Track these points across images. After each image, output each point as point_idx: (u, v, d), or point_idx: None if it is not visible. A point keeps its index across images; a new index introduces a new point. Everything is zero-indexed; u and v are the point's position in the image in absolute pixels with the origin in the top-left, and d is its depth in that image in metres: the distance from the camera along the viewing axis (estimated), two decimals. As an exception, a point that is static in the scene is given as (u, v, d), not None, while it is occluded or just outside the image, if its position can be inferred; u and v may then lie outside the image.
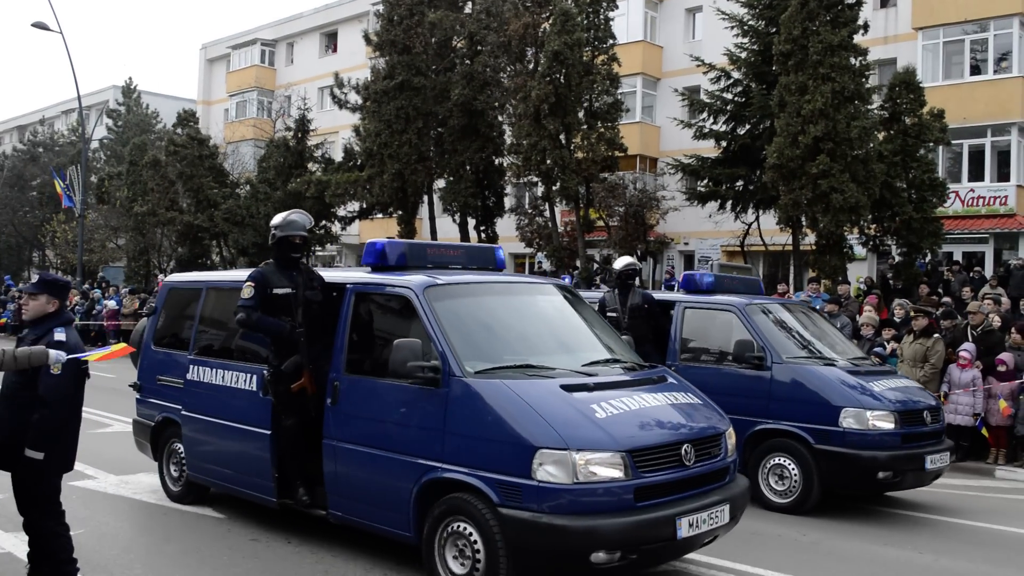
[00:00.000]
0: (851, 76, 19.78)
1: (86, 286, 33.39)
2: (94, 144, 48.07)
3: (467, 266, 7.85)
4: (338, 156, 34.42)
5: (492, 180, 28.47)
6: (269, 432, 7.51)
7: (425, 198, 29.65)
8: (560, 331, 7.49)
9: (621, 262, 11.11)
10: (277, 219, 7.63)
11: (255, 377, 7.73)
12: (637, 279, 11.58)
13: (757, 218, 25.22)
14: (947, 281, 21.28)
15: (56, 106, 65.26)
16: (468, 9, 28.58)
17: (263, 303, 7.32)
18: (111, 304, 29.50)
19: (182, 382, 8.63)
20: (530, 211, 28.31)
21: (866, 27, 21.04)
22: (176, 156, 33.80)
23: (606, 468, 5.73)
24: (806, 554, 7.98)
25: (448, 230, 30.69)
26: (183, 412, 8.58)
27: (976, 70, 27.48)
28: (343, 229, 34.61)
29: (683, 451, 6.13)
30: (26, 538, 6.06)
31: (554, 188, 24.88)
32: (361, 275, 7.45)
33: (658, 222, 28.84)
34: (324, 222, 32.88)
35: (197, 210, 33.35)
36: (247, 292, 7.30)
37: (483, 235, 28.68)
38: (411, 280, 6.92)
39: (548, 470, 5.68)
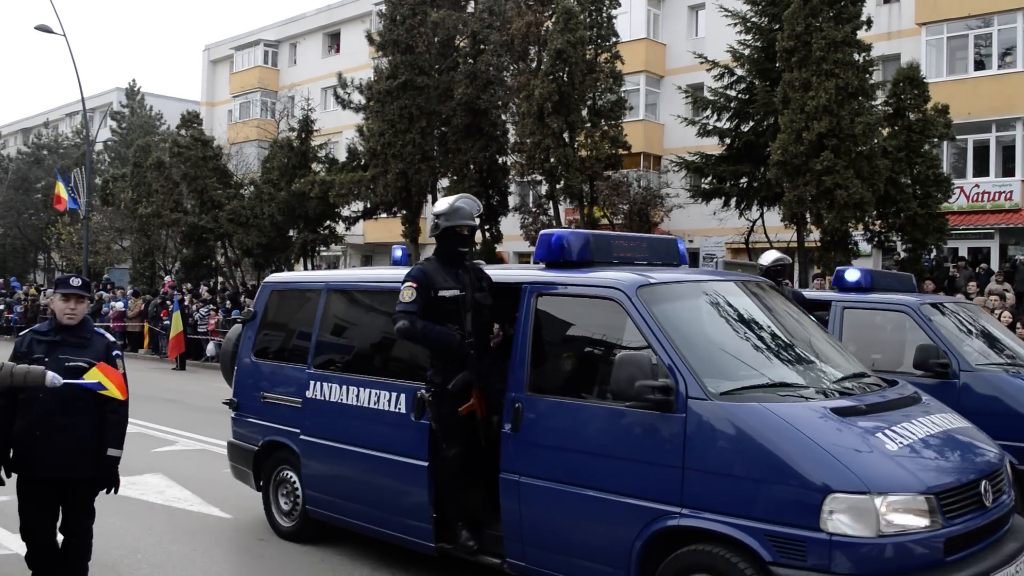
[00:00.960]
0: (855, 72, 19.76)
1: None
2: (98, 146, 48.17)
3: (651, 261, 6.63)
4: (342, 156, 34.41)
5: (496, 179, 28.44)
6: (426, 463, 6.33)
7: (429, 197, 29.61)
8: (792, 338, 6.05)
9: (769, 257, 9.81)
10: (441, 206, 6.35)
11: (405, 396, 6.54)
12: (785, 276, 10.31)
13: (761, 215, 25.19)
14: (952, 277, 21.25)
15: (60, 108, 65.37)
16: (471, 8, 28.56)
17: (426, 308, 6.10)
18: (118, 306, 29.56)
19: (299, 401, 7.44)
20: (534, 210, 28.28)
21: (869, 23, 21.01)
22: (180, 157, 33.82)
23: (911, 515, 4.64)
24: None
25: (452, 229, 30.67)
26: (301, 436, 7.39)
27: (980, 65, 27.42)
28: (347, 229, 34.60)
29: (982, 489, 5.01)
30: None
31: (558, 186, 24.86)
32: (537, 273, 6.23)
33: (662, 220, 28.82)
34: (328, 222, 32.88)
35: (201, 211, 33.37)
36: (408, 295, 6.07)
37: (487, 234, 28.65)
38: (618, 279, 5.70)
39: (841, 519, 4.54)
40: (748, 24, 24.12)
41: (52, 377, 5.54)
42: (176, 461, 11.16)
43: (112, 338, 6.14)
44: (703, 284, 6.27)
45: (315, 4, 50.04)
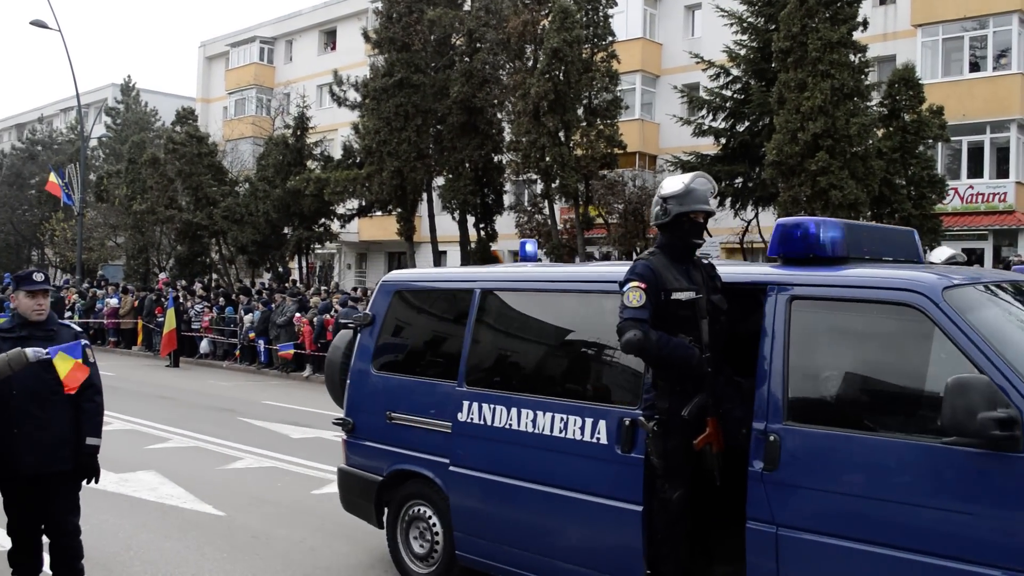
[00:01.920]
0: (850, 73, 19.79)
1: (85, 285, 33.37)
2: (93, 142, 48.11)
3: (896, 257, 5.49)
4: (337, 154, 34.40)
5: (491, 177, 28.45)
6: (637, 508, 5.07)
7: (424, 196, 29.63)
8: None
9: (942, 254, 7.03)
10: (672, 186, 5.13)
11: (606, 424, 5.26)
12: None
13: (756, 215, 25.22)
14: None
15: (55, 104, 65.24)
16: (467, 6, 28.56)
17: (656, 314, 4.87)
18: (112, 302, 29.50)
19: (447, 424, 6.17)
20: (529, 208, 28.29)
21: (865, 24, 21.04)
22: (175, 154, 33.76)
23: None
24: None
25: (447, 227, 30.70)
26: (451, 468, 6.15)
27: (975, 67, 27.46)
28: (342, 227, 34.58)
29: None
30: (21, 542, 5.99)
31: (553, 185, 24.87)
32: (787, 272, 4.98)
33: (658, 219, 28.79)
34: (323, 220, 32.86)
35: (196, 208, 33.32)
36: (635, 297, 4.83)
37: (482, 232, 28.68)
38: (915, 279, 4.47)
39: None
40: (744, 24, 24.14)
41: (34, 352, 5.52)
42: (169, 458, 11.13)
43: (78, 328, 6.08)
44: (1005, 285, 4.95)
45: (311, 1, 49.98)
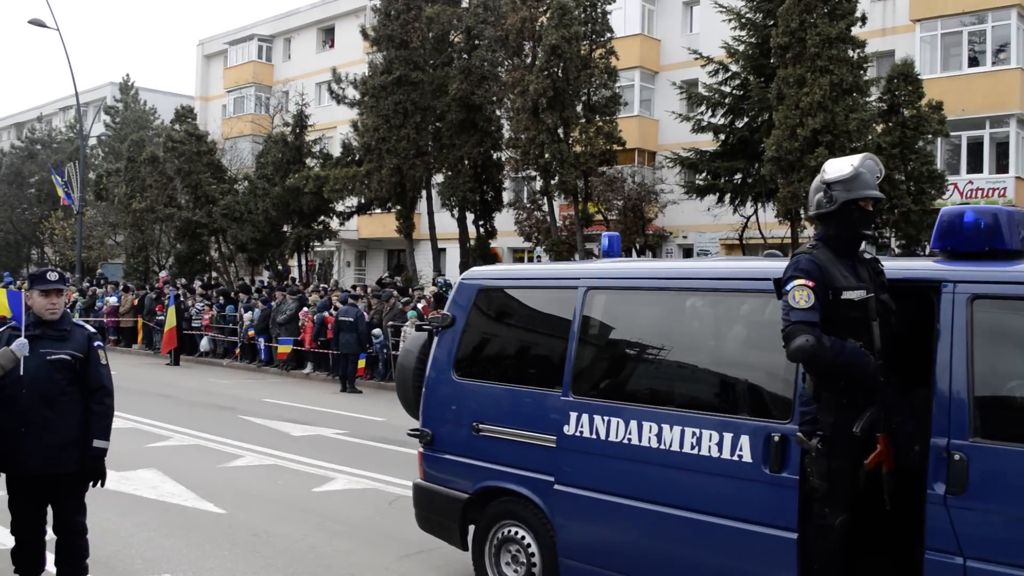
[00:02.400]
0: (849, 68, 19.80)
1: (85, 283, 33.38)
2: (92, 141, 48.08)
3: None
4: (336, 151, 34.38)
5: (490, 174, 28.45)
6: (791, 535, 4.50)
7: (423, 193, 29.63)
8: None
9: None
10: (838, 169, 4.51)
11: (749, 440, 4.69)
12: None
13: (756, 211, 25.22)
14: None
15: (54, 103, 65.19)
16: (465, 3, 28.55)
17: (822, 316, 4.27)
18: (111, 301, 29.52)
19: (551, 438, 5.56)
20: (529, 205, 28.30)
21: (864, 19, 21.04)
22: (174, 152, 33.76)
23: None
24: None
25: (446, 225, 30.69)
26: (556, 486, 5.54)
27: (974, 62, 27.44)
28: (342, 224, 34.56)
29: None
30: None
31: (552, 182, 24.87)
32: (950, 266, 4.46)
33: (657, 216, 28.83)
34: (322, 218, 32.85)
35: (195, 206, 33.31)
36: (803, 297, 4.22)
37: (482, 230, 28.68)
38: None
39: None
40: (743, 20, 24.13)
41: (18, 345, 5.51)
42: (170, 456, 11.14)
43: (92, 329, 6.08)
44: None
45: (309, -1, 49.95)
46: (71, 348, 5.76)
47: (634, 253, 29.03)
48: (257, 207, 32.09)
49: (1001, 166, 26.87)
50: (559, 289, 6.01)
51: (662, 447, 5.07)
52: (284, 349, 22.47)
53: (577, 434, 5.46)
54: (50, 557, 5.97)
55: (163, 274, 34.10)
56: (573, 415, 5.49)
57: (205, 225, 33.33)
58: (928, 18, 27.65)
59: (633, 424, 5.21)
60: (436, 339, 6.48)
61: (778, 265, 4.69)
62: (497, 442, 5.93)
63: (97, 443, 5.77)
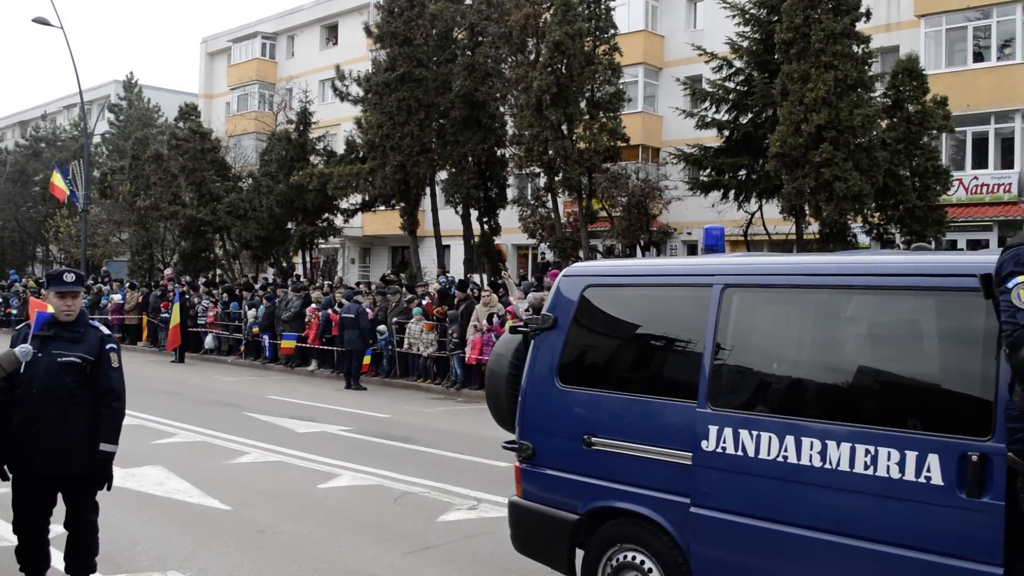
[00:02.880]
0: (854, 64, 19.73)
1: (90, 280, 33.42)
2: (96, 139, 48.11)
3: None
4: (340, 148, 34.37)
5: (494, 171, 28.43)
6: (995, 570, 3.99)
7: (427, 190, 29.61)
8: None
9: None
10: None
11: (939, 459, 4.16)
12: None
13: (760, 207, 25.17)
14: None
15: (58, 101, 65.27)
16: (468, 0, 28.53)
17: None
18: (116, 299, 29.57)
19: (685, 454, 4.99)
20: (533, 202, 28.27)
21: (868, 15, 20.98)
22: (178, 150, 33.80)
23: None
24: None
25: (451, 222, 30.69)
26: (693, 509, 4.96)
27: (979, 57, 27.38)
28: (346, 222, 34.56)
29: None
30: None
31: (556, 179, 24.84)
32: None
33: (661, 212, 28.80)
34: (326, 215, 32.86)
35: (200, 204, 33.35)
36: None
37: (486, 226, 28.66)
38: None
39: None
40: (747, 16, 24.07)
41: (21, 351, 5.52)
42: (175, 453, 11.16)
43: (107, 331, 6.09)
44: None
45: (313, -5, 49.95)
46: (82, 351, 5.77)
47: (638, 250, 29.02)
48: (261, 204, 32.12)
49: (1006, 161, 26.82)
50: (687, 287, 5.38)
51: (827, 467, 4.48)
52: (288, 344, 22.52)
53: (719, 450, 4.86)
54: (57, 554, 5.98)
55: (168, 271, 34.14)
56: (713, 429, 4.90)
57: (209, 222, 33.37)
58: (933, 13, 27.60)
59: (789, 440, 4.63)
60: (534, 342, 5.89)
61: (974, 259, 4.32)
62: (613, 457, 5.34)
63: (104, 447, 5.77)
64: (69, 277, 5.84)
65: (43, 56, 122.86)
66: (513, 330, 6.21)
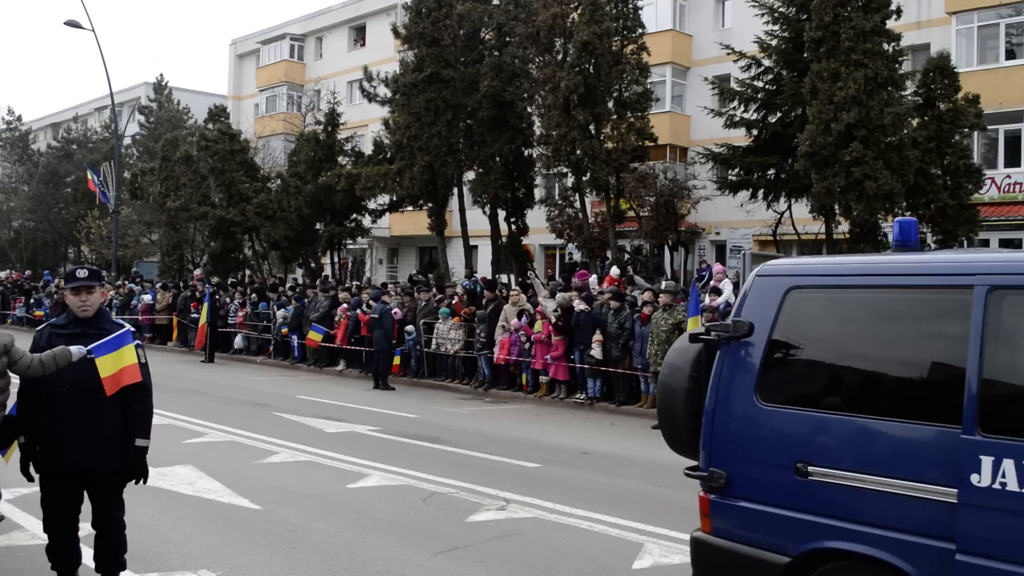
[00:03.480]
0: (884, 62, 19.55)
1: (120, 281, 33.73)
2: (127, 140, 48.57)
3: None
4: (368, 149, 34.49)
5: (522, 171, 28.41)
6: None
7: (455, 190, 29.64)
8: None
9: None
10: None
11: None
12: None
13: (789, 207, 25.01)
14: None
15: (89, 103, 65.91)
16: (496, 0, 28.53)
17: None
18: (146, 299, 29.83)
19: (947, 491, 4.19)
20: (560, 202, 28.23)
21: (899, 12, 20.78)
22: (208, 151, 34.05)
23: None
24: None
25: (478, 222, 30.70)
26: (959, 556, 4.14)
27: (1011, 54, 27.06)
28: (373, 222, 34.67)
29: None
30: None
31: (584, 179, 24.79)
32: None
33: (689, 212, 28.69)
34: (354, 215, 32.98)
35: (229, 204, 33.56)
36: None
37: (513, 227, 28.65)
38: None
39: None
40: (775, 14, 23.91)
41: (77, 349, 5.62)
42: (206, 452, 11.23)
43: (131, 328, 6.09)
44: None
45: (341, -3, 50.18)
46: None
47: (666, 250, 28.93)
48: (290, 205, 32.28)
49: (1039, 160, 26.50)
50: (937, 289, 4.57)
51: None
52: (315, 336, 22.55)
53: (998, 487, 4.04)
54: (88, 552, 6.02)
55: (197, 272, 34.40)
56: (987, 461, 4.08)
57: (239, 223, 33.58)
58: (964, 10, 27.31)
59: None
60: (721, 353, 5.09)
61: None
62: (838, 490, 4.52)
63: (139, 442, 5.84)
64: (82, 273, 5.88)
65: (75, 59, 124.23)
66: (693, 338, 5.36)
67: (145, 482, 5.99)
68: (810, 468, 4.62)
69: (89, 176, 36.83)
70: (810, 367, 4.99)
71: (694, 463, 5.21)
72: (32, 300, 36.45)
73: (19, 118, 58.98)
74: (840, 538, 4.49)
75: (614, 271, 20.49)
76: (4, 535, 6.94)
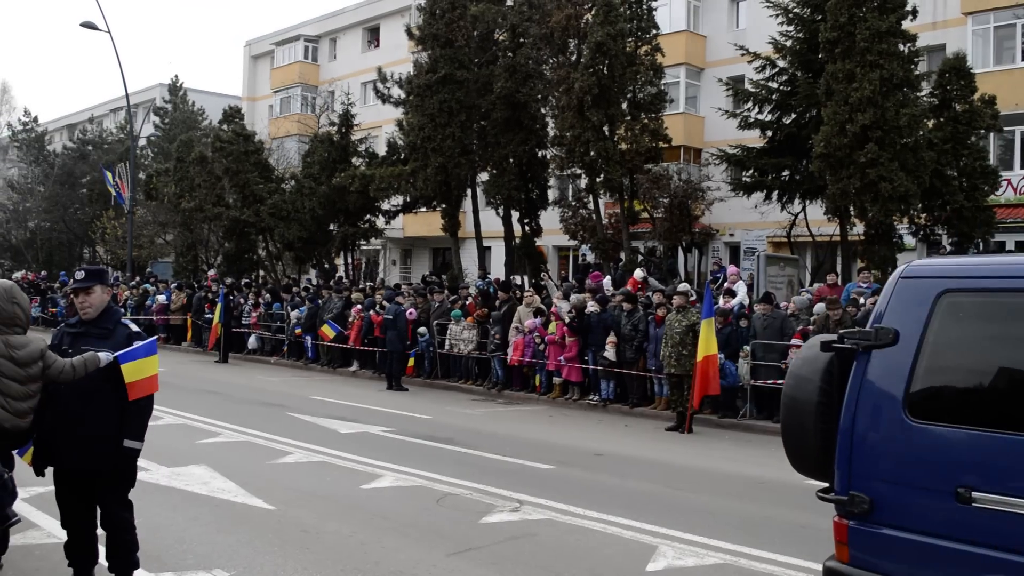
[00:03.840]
0: (900, 63, 19.48)
1: (135, 281, 33.87)
2: (142, 141, 48.77)
3: None
4: (382, 150, 34.54)
5: (535, 172, 28.39)
6: None
7: (468, 191, 29.64)
8: None
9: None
10: None
11: None
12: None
13: (804, 208, 24.93)
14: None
15: (104, 104, 66.21)
16: (510, 1, 28.51)
17: None
18: (161, 299, 29.94)
19: None
20: (574, 203, 28.19)
21: (915, 13, 20.69)
22: (222, 152, 34.17)
23: None
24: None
25: (492, 223, 30.71)
26: None
27: (1028, 55, 26.92)
28: (387, 223, 34.73)
29: None
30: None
31: (598, 180, 24.75)
32: None
33: (703, 213, 28.63)
34: (368, 216, 33.03)
35: (243, 205, 33.67)
36: None
37: (527, 228, 28.64)
38: None
39: None
40: (790, 15, 23.85)
41: (105, 356, 5.68)
42: (220, 452, 11.26)
43: (136, 328, 6.08)
44: None
45: (355, -1, 50.27)
46: (109, 347, 5.81)
47: (680, 251, 28.86)
48: (304, 206, 32.34)
49: (1056, 161, 26.34)
50: None
51: None
52: (328, 331, 22.58)
53: None
54: (103, 550, 6.05)
55: (211, 272, 34.51)
56: None
57: (253, 224, 33.69)
58: (980, 11, 27.19)
59: None
60: (858, 363, 4.54)
61: None
62: (1010, 519, 3.94)
63: (128, 443, 5.81)
64: (79, 275, 5.93)
65: (90, 60, 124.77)
66: (826, 346, 4.76)
67: (130, 486, 5.97)
68: (974, 494, 4.03)
69: (106, 177, 36.99)
70: (972, 379, 4.38)
71: (823, 483, 4.67)
72: (47, 299, 36.63)
73: (35, 119, 59.21)
74: (1009, 573, 3.94)
75: (637, 273, 20.43)
76: (20, 534, 6.97)
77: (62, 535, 6.04)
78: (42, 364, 5.68)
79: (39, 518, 7.69)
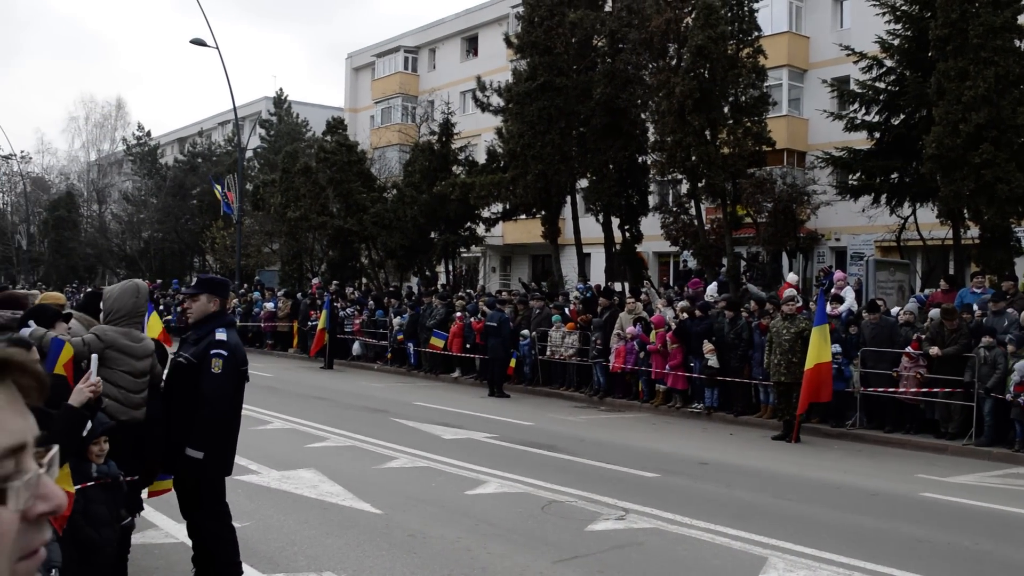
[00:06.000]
0: (1016, 59, 18.76)
1: (243, 289, 34.78)
2: (249, 153, 50.07)
3: None
4: (481, 158, 34.76)
5: (635, 178, 28.20)
6: None
7: (568, 198, 29.62)
8: None
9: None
10: None
11: None
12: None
13: (914, 211, 24.17)
14: None
15: (213, 118, 68.22)
16: (608, 7, 28.43)
17: None
18: (268, 307, 30.67)
19: None
20: (675, 209, 27.92)
21: (1031, 7, 19.92)
22: (326, 163, 34.85)
23: None
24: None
25: (592, 229, 30.62)
26: None
27: None
28: (487, 231, 34.94)
29: None
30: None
31: (699, 185, 24.45)
32: None
33: (808, 218, 28.04)
34: (468, 224, 33.28)
35: (347, 214, 34.25)
36: None
37: (627, 234, 28.47)
38: None
39: None
40: (897, 13, 23.18)
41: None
42: (328, 457, 11.45)
43: (222, 337, 5.99)
44: None
45: (453, 9, 50.87)
46: (191, 352, 6.04)
47: (784, 256, 28.31)
48: (405, 214, 32.75)
49: None
50: None
51: None
52: (436, 342, 22.78)
53: None
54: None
55: (315, 280, 35.20)
56: None
57: (356, 232, 34.25)
58: (1102, 3, 25.97)
59: None
60: None
61: None
62: None
63: (188, 451, 5.94)
64: (192, 283, 6.31)
65: (200, 76, 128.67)
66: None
67: (204, 495, 6.05)
68: None
69: (216, 192, 38.11)
70: None
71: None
72: (161, 307, 37.86)
73: (148, 134, 61.43)
74: None
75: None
76: (139, 533, 7.21)
77: (180, 535, 6.22)
78: (151, 361, 5.93)
79: (157, 518, 7.93)
